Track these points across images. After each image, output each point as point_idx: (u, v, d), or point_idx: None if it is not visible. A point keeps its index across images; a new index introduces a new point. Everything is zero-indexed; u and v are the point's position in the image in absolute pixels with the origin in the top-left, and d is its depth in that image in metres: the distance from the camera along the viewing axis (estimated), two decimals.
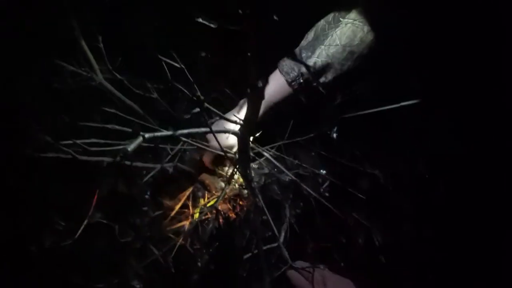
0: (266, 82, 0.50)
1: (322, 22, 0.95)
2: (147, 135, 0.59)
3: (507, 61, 0.87)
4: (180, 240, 0.87)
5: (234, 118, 0.64)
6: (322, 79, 0.92)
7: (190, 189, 0.95)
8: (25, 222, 1.01)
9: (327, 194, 0.93)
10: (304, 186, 0.80)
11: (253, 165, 0.91)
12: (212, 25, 0.48)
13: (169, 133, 0.62)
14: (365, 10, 0.92)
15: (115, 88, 0.97)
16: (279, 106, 0.92)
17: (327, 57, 0.90)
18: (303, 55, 0.91)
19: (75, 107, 0.94)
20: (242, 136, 0.68)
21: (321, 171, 0.94)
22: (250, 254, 0.74)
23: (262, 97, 0.57)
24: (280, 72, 0.91)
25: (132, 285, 0.94)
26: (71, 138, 0.75)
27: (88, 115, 0.94)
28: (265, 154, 0.84)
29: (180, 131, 0.63)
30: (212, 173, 0.99)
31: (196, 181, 0.95)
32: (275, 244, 0.73)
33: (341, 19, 0.91)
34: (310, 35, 0.95)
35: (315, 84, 0.91)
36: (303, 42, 0.95)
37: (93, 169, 0.91)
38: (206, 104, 0.56)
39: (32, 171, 0.98)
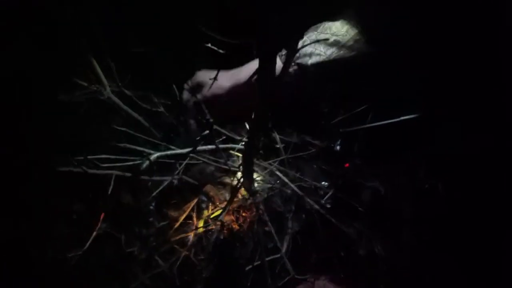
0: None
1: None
2: (153, 156, 0.63)
3: (507, 60, 0.88)
4: (185, 251, 0.90)
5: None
6: (306, 58, 0.98)
7: (195, 201, 0.97)
8: (31, 231, 1.03)
9: (328, 206, 0.96)
10: (307, 199, 0.82)
11: (257, 178, 0.94)
12: (220, 51, 0.51)
13: (177, 151, 0.66)
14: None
15: (122, 102, 1.01)
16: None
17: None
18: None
19: (83, 120, 0.97)
20: (246, 150, 0.72)
21: (323, 183, 0.97)
22: (252, 265, 0.77)
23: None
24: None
25: None
26: (81, 151, 0.79)
27: (97, 129, 0.98)
28: (269, 167, 0.87)
29: (187, 150, 0.67)
30: (216, 184, 1.03)
31: (201, 192, 0.98)
32: (278, 255, 0.76)
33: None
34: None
35: (300, 61, 0.97)
36: None
37: (101, 180, 0.94)
38: (215, 126, 0.59)
39: (41, 181, 1.01)
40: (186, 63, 1.13)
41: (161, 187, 1.00)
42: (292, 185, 0.81)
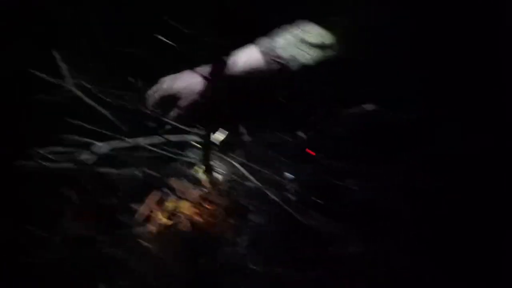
0: None
1: None
2: (97, 149, 0.61)
3: (507, 60, 0.89)
4: (145, 244, 0.89)
5: None
6: (289, 57, 0.97)
7: (157, 194, 0.96)
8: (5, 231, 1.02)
9: (294, 199, 0.95)
10: (267, 192, 0.81)
11: (220, 170, 0.92)
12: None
13: (125, 144, 0.64)
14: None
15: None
16: (245, 75, 0.98)
17: (300, 39, 0.97)
18: (279, 32, 0.99)
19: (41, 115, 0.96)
20: (204, 142, 0.70)
21: (289, 175, 0.95)
22: (209, 258, 0.76)
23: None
24: (255, 43, 0.98)
25: None
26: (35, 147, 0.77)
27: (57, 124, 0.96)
28: (232, 160, 0.86)
29: (134, 140, 0.66)
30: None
31: (164, 185, 0.97)
32: (237, 247, 0.75)
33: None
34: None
35: (283, 61, 0.97)
36: (285, 26, 1.00)
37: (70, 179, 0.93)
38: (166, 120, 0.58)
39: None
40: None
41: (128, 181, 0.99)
42: (253, 179, 0.79)
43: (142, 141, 0.67)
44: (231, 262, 0.83)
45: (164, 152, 0.79)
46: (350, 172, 0.97)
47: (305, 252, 0.89)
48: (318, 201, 0.84)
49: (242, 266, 0.76)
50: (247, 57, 1.00)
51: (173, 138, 0.71)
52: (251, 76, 1.01)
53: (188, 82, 0.96)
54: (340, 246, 0.90)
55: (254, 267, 0.73)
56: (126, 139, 0.66)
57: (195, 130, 0.68)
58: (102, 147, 0.60)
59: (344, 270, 0.89)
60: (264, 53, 0.99)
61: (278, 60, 0.99)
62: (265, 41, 1.00)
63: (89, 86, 0.90)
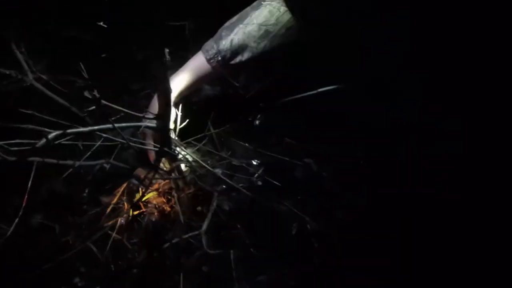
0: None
1: (248, 8, 0.99)
2: (51, 135, 0.62)
3: (507, 60, 0.88)
4: (114, 235, 0.89)
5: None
6: (239, 57, 0.96)
7: (125, 185, 0.96)
8: None
9: (259, 183, 0.96)
10: (229, 181, 0.82)
11: (186, 157, 0.93)
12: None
13: (79, 130, 0.65)
14: None
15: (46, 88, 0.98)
16: (200, 83, 0.98)
17: (243, 35, 0.94)
18: (223, 33, 0.96)
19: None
20: (158, 128, 0.71)
21: (253, 161, 0.96)
22: (170, 243, 0.76)
23: (169, 89, 0.60)
24: (202, 50, 0.96)
25: (74, 283, 0.95)
26: None
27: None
28: (195, 145, 0.87)
29: (88, 128, 0.66)
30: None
31: (131, 176, 0.97)
32: (196, 232, 0.76)
33: (262, 2, 0.96)
34: (234, 18, 0.99)
35: (232, 62, 0.95)
36: (226, 24, 0.99)
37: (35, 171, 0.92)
38: (103, 102, 0.58)
39: None
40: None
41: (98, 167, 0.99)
42: (206, 165, 0.80)
43: (96, 128, 0.66)
44: (193, 247, 0.83)
45: (124, 141, 0.78)
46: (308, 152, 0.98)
47: (267, 233, 0.90)
48: (275, 183, 0.83)
49: (202, 250, 0.77)
50: (194, 69, 0.99)
51: (128, 125, 0.71)
52: (202, 83, 1.02)
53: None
54: (299, 225, 0.92)
55: (213, 251, 0.74)
56: (81, 127, 0.66)
57: (145, 115, 0.68)
58: (57, 134, 0.60)
59: (304, 248, 0.90)
60: (210, 61, 0.97)
61: (224, 64, 0.98)
62: (209, 46, 0.98)
63: (45, 78, 0.88)
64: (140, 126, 0.70)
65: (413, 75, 0.98)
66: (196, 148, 0.94)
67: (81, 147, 0.67)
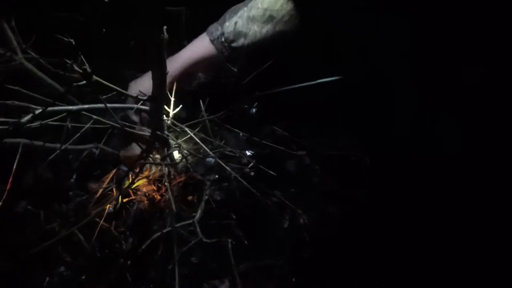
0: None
1: None
2: (38, 111, 0.58)
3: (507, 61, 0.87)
4: (101, 222, 0.85)
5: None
6: (241, 40, 0.95)
7: (113, 172, 0.92)
8: None
9: (252, 174, 0.93)
10: (226, 167, 0.79)
11: (178, 144, 0.89)
12: None
13: (65, 108, 0.61)
14: None
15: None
16: (202, 64, 0.96)
17: (248, 18, 0.93)
18: (227, 16, 0.95)
19: None
20: (151, 111, 0.67)
21: (246, 152, 0.93)
22: (161, 232, 0.73)
23: (165, 70, 0.57)
24: (206, 32, 0.95)
25: (59, 271, 0.91)
26: None
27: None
28: (189, 132, 0.83)
29: (76, 107, 0.62)
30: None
31: (121, 162, 0.93)
32: (190, 221, 0.72)
33: None
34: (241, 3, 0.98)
35: (234, 44, 0.94)
36: (233, 7, 0.98)
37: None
38: (95, 77, 0.54)
39: None
40: None
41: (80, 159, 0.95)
42: (208, 150, 0.77)
43: (86, 107, 0.63)
44: (183, 236, 0.80)
45: (115, 124, 0.74)
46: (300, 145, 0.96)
47: (258, 225, 0.87)
48: (271, 172, 0.80)
49: (193, 239, 0.73)
50: (198, 50, 0.98)
51: (121, 106, 0.67)
52: (202, 65, 1.00)
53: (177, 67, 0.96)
54: (291, 219, 0.90)
55: (209, 240, 0.71)
56: (69, 106, 0.62)
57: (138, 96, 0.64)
58: (43, 110, 0.56)
59: (293, 240, 0.88)
60: (213, 42, 0.96)
61: (227, 46, 0.97)
62: (214, 28, 0.97)
63: (35, 55, 0.84)
64: (133, 108, 0.66)
65: (410, 71, 0.98)
66: (188, 136, 0.91)
67: (70, 127, 0.62)
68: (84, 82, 0.50)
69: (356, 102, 1.04)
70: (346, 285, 0.87)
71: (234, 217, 0.88)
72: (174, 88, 0.88)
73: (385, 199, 0.97)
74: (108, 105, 0.59)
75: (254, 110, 1.01)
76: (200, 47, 0.96)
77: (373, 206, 0.96)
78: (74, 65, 0.49)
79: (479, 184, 0.92)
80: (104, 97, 0.60)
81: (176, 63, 0.94)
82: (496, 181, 0.91)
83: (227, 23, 0.95)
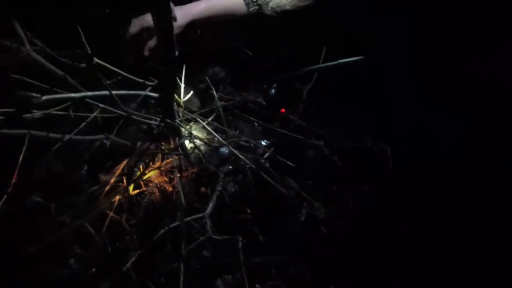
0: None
1: None
2: (44, 97, 0.53)
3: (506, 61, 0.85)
4: (112, 215, 0.81)
5: None
6: (278, 8, 0.92)
7: (124, 163, 0.88)
8: None
9: (267, 165, 0.87)
10: (242, 156, 0.73)
11: (190, 132, 0.84)
12: None
13: (69, 96, 0.56)
14: None
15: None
16: (225, 16, 0.93)
17: None
18: None
19: None
20: (160, 98, 0.62)
21: (262, 142, 0.87)
22: (169, 227, 0.68)
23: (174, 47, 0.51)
24: None
25: (69, 264, 0.88)
26: None
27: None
28: (200, 122, 0.78)
29: (80, 94, 0.57)
30: None
31: (132, 153, 0.88)
32: (200, 215, 0.67)
33: None
34: None
35: (261, 1, 0.92)
36: None
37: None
38: (96, 60, 0.49)
39: None
40: None
41: (92, 149, 0.91)
42: (221, 140, 0.71)
43: (90, 94, 0.57)
44: (193, 231, 0.75)
45: (123, 113, 0.69)
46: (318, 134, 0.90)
47: (274, 219, 0.82)
48: (289, 163, 0.74)
49: (203, 234, 0.68)
50: (228, 4, 0.94)
51: (126, 93, 0.61)
52: (225, 17, 0.95)
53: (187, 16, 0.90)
54: (307, 213, 0.85)
55: (218, 237, 0.65)
56: (72, 94, 0.57)
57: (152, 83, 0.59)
58: (47, 98, 0.51)
59: (311, 235, 0.83)
60: (247, 3, 0.93)
61: (260, 11, 0.93)
62: None
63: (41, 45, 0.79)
64: (140, 95, 0.60)
65: (410, 71, 0.95)
66: (201, 125, 0.85)
67: (72, 116, 0.57)
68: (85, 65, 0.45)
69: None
70: (364, 285, 0.81)
71: (249, 211, 0.82)
72: (184, 72, 0.82)
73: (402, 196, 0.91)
74: (114, 92, 0.54)
75: (273, 91, 0.94)
76: (231, 3, 0.92)
77: (393, 201, 0.89)
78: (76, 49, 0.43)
79: (479, 184, 0.88)
80: (108, 82, 0.54)
81: (199, 4, 0.90)
82: (496, 181, 0.87)
83: None
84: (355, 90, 1.01)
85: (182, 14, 0.86)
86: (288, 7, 0.93)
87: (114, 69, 0.51)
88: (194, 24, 0.88)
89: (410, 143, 0.95)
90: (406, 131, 0.96)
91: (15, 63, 0.85)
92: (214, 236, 0.63)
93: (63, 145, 0.80)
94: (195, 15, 0.88)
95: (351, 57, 0.93)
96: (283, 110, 0.95)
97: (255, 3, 0.92)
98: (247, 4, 0.92)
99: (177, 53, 0.52)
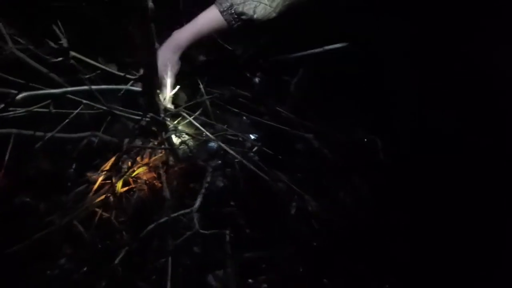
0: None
1: None
2: (22, 94, 0.51)
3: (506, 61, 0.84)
4: (101, 213, 0.79)
5: None
6: (250, 12, 0.92)
7: (113, 159, 0.86)
8: None
9: (256, 158, 0.86)
10: (229, 150, 0.72)
11: (175, 127, 0.83)
12: None
13: (49, 92, 0.54)
14: None
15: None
16: (208, 36, 0.94)
17: None
18: None
19: None
20: (143, 92, 0.60)
21: (250, 136, 0.86)
22: (157, 222, 0.66)
23: (154, 46, 0.49)
24: (215, 3, 0.93)
25: (60, 264, 0.86)
26: None
27: None
28: (187, 117, 0.76)
29: (61, 90, 0.55)
30: None
31: (120, 150, 0.87)
32: (188, 210, 0.66)
33: None
34: None
35: (244, 16, 0.92)
36: None
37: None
38: (72, 53, 0.47)
39: None
40: None
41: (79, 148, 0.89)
42: (209, 134, 0.70)
43: (70, 90, 0.56)
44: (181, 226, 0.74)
45: (105, 108, 0.67)
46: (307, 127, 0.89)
47: (263, 212, 0.81)
48: (279, 156, 0.73)
49: (192, 229, 0.67)
50: (206, 21, 0.95)
51: (107, 87, 0.60)
52: (209, 35, 0.96)
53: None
54: (298, 204, 0.83)
55: (205, 231, 0.64)
56: (52, 90, 0.55)
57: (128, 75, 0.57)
58: (26, 95, 0.50)
59: (302, 229, 0.82)
60: (223, 14, 0.93)
61: (236, 17, 0.93)
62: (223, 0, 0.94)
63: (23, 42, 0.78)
64: (121, 89, 0.59)
65: (410, 71, 0.96)
66: (187, 120, 0.84)
67: (53, 113, 0.56)
68: (61, 58, 0.43)
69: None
70: (357, 279, 0.80)
71: (234, 204, 0.81)
72: (170, 68, 0.81)
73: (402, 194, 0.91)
74: (93, 87, 0.52)
75: (257, 79, 0.93)
76: (209, 18, 0.93)
77: (385, 194, 0.89)
78: (48, 40, 0.41)
79: (479, 183, 0.88)
80: (87, 76, 0.53)
81: (184, 33, 0.92)
82: (496, 181, 0.88)
83: None
84: (354, 88, 1.02)
85: (172, 50, 0.91)
86: (274, 14, 0.93)
87: (93, 62, 0.49)
88: None
89: (410, 142, 0.96)
90: (406, 131, 0.97)
91: None
92: (201, 231, 0.61)
93: (48, 143, 0.78)
94: (182, 47, 0.92)
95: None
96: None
97: (237, 20, 0.92)
98: (229, 22, 0.93)
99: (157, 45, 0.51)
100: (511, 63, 0.84)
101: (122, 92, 0.58)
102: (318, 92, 1.04)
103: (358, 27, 0.95)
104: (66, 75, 0.90)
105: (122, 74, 0.56)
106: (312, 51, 0.81)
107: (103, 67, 0.51)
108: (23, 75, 0.77)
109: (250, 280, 0.80)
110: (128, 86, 0.58)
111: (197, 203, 0.69)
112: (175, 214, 0.66)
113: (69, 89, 0.55)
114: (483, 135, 0.89)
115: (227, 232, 0.62)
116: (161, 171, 0.87)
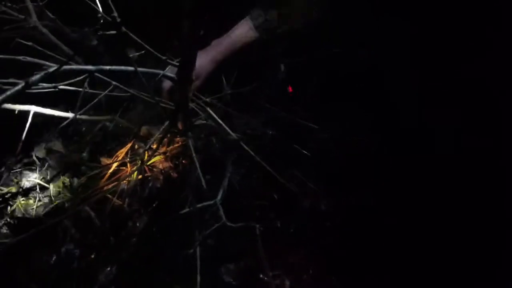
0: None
1: None
2: (51, 69, 0.48)
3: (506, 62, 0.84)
4: (114, 200, 0.76)
5: None
6: (284, 27, 0.91)
7: (129, 146, 0.83)
8: None
9: (273, 154, 0.83)
10: (244, 146, 0.69)
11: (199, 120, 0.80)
12: None
13: (79, 67, 0.51)
14: None
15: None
16: (241, 50, 0.93)
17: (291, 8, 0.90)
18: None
19: None
20: (178, 79, 0.57)
21: (269, 131, 0.84)
22: (179, 213, 0.63)
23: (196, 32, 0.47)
24: (248, 18, 0.92)
25: (67, 248, 0.82)
26: None
27: None
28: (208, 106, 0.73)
29: (95, 67, 0.52)
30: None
31: (136, 136, 0.83)
32: (211, 202, 0.63)
33: None
34: None
35: (279, 30, 0.91)
36: None
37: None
38: (124, 29, 0.44)
39: None
40: None
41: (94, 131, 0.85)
42: (228, 130, 0.67)
43: (106, 68, 0.53)
44: (204, 218, 0.71)
45: (137, 93, 0.64)
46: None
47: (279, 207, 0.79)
48: (296, 146, 0.74)
49: (216, 221, 0.64)
50: (240, 35, 0.94)
51: (148, 70, 0.57)
52: (243, 50, 0.95)
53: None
54: (312, 202, 0.83)
55: (230, 223, 0.61)
56: (84, 65, 0.52)
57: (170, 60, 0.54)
58: (57, 68, 0.46)
59: (316, 225, 0.81)
60: (257, 29, 0.91)
61: (269, 32, 0.92)
62: (256, 14, 0.92)
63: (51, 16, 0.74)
64: (158, 74, 0.56)
65: (410, 71, 0.95)
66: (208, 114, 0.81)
67: (88, 88, 0.52)
68: (114, 31, 0.40)
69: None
70: (364, 279, 0.79)
71: (252, 197, 0.79)
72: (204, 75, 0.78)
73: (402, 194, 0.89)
74: (139, 69, 0.49)
75: (281, 76, 0.92)
76: (243, 33, 0.92)
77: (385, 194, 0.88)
78: (102, 14, 0.38)
79: (478, 183, 0.87)
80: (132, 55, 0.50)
81: (221, 48, 0.91)
82: (495, 181, 0.87)
83: (270, 10, 0.90)
84: (353, 88, 1.00)
85: (210, 59, 0.91)
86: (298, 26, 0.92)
87: (140, 41, 0.46)
88: None
89: (410, 142, 0.94)
90: (406, 131, 0.95)
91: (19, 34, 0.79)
92: (229, 223, 0.58)
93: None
94: (218, 60, 0.91)
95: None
96: (291, 89, 0.94)
97: (269, 34, 0.92)
98: (262, 36, 0.92)
99: None
100: (510, 63, 0.84)
101: (159, 77, 0.55)
102: (318, 92, 1.03)
103: (358, 28, 0.95)
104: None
105: (164, 57, 0.53)
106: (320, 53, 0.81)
107: (149, 48, 0.48)
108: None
109: (261, 275, 0.78)
110: (166, 72, 0.55)
111: (220, 195, 0.66)
112: (200, 205, 0.63)
113: (107, 67, 0.52)
114: (482, 135, 0.89)
115: (258, 226, 0.59)
116: (178, 162, 0.84)
